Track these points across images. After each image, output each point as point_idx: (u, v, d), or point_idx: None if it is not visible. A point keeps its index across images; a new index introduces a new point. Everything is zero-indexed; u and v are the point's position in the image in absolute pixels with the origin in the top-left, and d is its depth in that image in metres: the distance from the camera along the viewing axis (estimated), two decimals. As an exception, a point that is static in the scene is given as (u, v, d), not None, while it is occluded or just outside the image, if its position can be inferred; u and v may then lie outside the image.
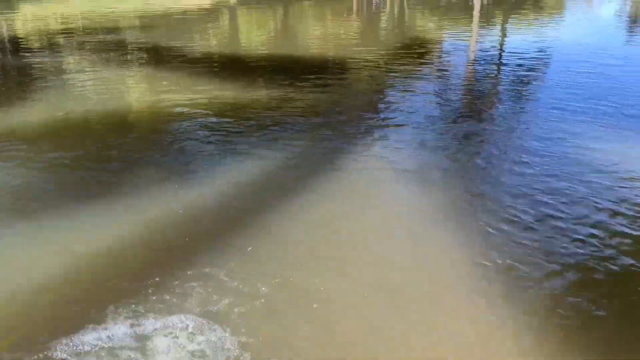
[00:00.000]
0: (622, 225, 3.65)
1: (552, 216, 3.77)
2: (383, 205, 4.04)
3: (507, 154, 4.93)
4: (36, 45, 11.10)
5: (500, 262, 3.24)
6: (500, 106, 6.75)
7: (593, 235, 3.52)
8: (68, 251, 3.39)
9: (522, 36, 12.97)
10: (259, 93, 7.08)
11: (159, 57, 9.71)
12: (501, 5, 21.11)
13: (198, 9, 19.59)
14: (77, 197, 4.17)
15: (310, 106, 6.48)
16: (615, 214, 3.81)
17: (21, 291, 2.99)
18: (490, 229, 3.61)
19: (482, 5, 21.41)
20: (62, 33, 12.65)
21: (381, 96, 7.20)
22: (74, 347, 2.52)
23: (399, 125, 5.81)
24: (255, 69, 8.96)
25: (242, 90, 7.25)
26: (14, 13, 17.41)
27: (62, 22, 14.93)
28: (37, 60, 9.44)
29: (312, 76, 8.08)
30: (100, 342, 2.54)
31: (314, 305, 2.85)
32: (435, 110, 6.42)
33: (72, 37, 11.89)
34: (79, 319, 2.71)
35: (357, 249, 3.44)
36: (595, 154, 4.91)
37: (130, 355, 2.47)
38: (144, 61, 9.30)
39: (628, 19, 18.18)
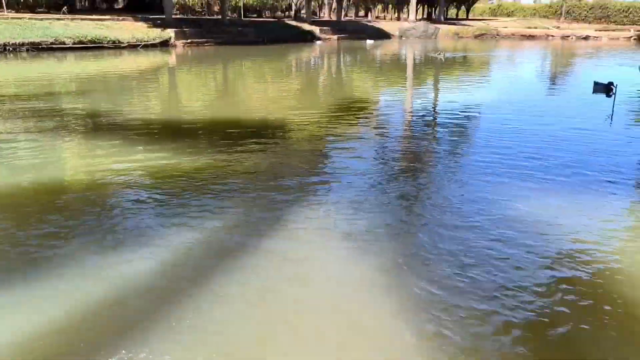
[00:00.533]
0: (553, 288, 3.76)
1: (481, 279, 3.83)
2: (320, 269, 3.99)
3: (442, 216, 5.03)
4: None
5: (432, 328, 3.24)
6: (435, 166, 6.94)
7: (525, 300, 3.59)
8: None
9: (454, 95, 13.62)
10: (198, 157, 7.00)
11: (96, 122, 9.50)
12: (433, 63, 22.22)
13: (137, 70, 19.54)
14: (20, 272, 3.90)
15: (249, 170, 6.45)
16: (551, 277, 3.91)
17: None
18: (422, 293, 3.62)
19: (441, 59, 22.47)
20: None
21: (319, 158, 7.27)
22: None
23: (337, 187, 5.85)
24: (195, 132, 8.90)
25: (181, 155, 7.15)
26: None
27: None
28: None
29: (252, 139, 8.10)
30: None
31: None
32: (371, 170, 6.53)
33: (3, 103, 11.50)
34: None
35: (291, 317, 3.36)
36: (524, 214, 5.08)
37: None
38: (80, 127, 9.06)
39: (548, 77, 19.54)
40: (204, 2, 60.87)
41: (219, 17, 40.81)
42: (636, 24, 68.23)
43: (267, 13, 68.50)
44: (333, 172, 6.50)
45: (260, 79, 18.30)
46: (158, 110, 11.14)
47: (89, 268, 4.02)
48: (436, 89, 15.72)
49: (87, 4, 56.76)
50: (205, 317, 3.40)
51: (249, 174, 6.28)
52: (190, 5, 58.59)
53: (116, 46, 27.26)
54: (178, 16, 47.14)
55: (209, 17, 49.83)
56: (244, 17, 57.43)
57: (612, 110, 10.30)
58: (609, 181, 6.07)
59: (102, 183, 6.02)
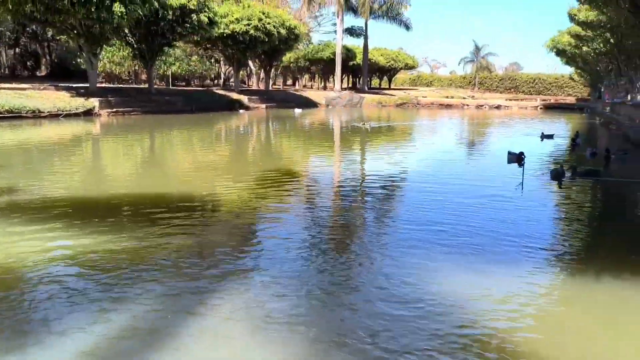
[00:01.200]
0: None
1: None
2: (246, 349, 3.85)
3: (371, 301, 5.04)
4: None
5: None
6: (362, 242, 7.04)
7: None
8: None
9: (379, 164, 14.07)
10: (120, 237, 6.70)
11: (10, 200, 8.97)
12: (360, 133, 23.02)
13: (58, 141, 18.87)
14: None
15: (174, 249, 6.24)
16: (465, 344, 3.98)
17: None
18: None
19: (365, 130, 23.18)
20: None
21: (247, 233, 7.18)
22: None
23: (264, 264, 5.76)
24: (118, 208, 8.57)
25: (102, 234, 6.83)
26: None
27: None
28: None
29: (178, 213, 7.90)
30: None
31: None
32: (299, 246, 6.50)
33: None
34: None
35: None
36: (442, 285, 5.19)
37: None
38: (-11, 204, 8.51)
39: (466, 146, 20.74)
40: (130, 70, 60.66)
41: (147, 85, 40.66)
42: (542, 94, 74.57)
43: (196, 82, 69.17)
44: (261, 248, 6.42)
45: (188, 148, 18.16)
46: (79, 185, 10.70)
47: None
48: (363, 158, 16.22)
49: (6, 71, 55.06)
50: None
51: (174, 254, 6.07)
52: (117, 73, 58.17)
53: (36, 116, 26.28)
54: (103, 85, 46.56)
55: (135, 86, 49.54)
56: (172, 85, 57.62)
57: (522, 178, 10.98)
58: (522, 247, 6.38)
59: (13, 267, 5.61)
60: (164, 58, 50.70)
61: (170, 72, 57.65)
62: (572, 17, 31.49)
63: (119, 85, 49.89)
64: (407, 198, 9.78)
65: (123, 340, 4.07)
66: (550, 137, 19.67)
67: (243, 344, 4.04)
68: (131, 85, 50.95)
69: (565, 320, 4.63)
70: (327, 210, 8.69)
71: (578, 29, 34.47)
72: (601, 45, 33.18)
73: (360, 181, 11.56)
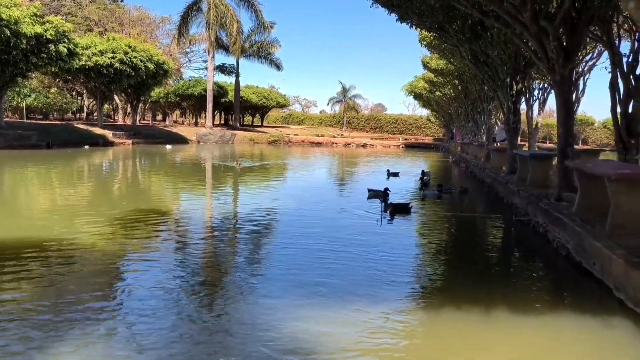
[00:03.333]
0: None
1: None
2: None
3: (245, 345, 5.03)
4: None
5: None
6: (230, 283, 7.01)
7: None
8: None
9: (251, 202, 14.13)
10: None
11: None
12: (232, 171, 22.93)
13: None
14: None
15: (19, 303, 5.71)
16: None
17: None
18: None
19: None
20: None
21: (110, 279, 6.78)
22: None
23: (126, 312, 5.50)
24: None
25: None
26: None
27: None
28: None
29: (27, 261, 7.25)
30: None
31: None
32: (170, 290, 6.30)
33: None
34: None
35: None
36: (300, 331, 5.35)
37: None
38: None
39: (333, 183, 21.60)
40: (-24, 101, 55.01)
41: (-5, 118, 37.03)
42: (403, 133, 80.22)
43: (55, 115, 64.46)
44: (123, 295, 6.11)
45: (43, 187, 16.77)
46: None
47: None
48: (234, 197, 16.17)
49: None
50: None
51: (18, 308, 5.55)
52: (-40, 103, 52.40)
53: None
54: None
55: (-18, 118, 44.84)
56: (28, 118, 53.14)
57: (382, 213, 11.72)
58: (382, 281, 6.77)
59: None
60: (17, 89, 46.64)
61: (24, 105, 53.18)
62: (425, 65, 34.58)
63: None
64: (275, 236, 9.92)
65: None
66: (396, 174, 21.18)
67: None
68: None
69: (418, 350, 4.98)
70: (196, 251, 8.50)
71: (431, 76, 37.89)
72: (451, 90, 36.75)
73: (231, 220, 11.50)
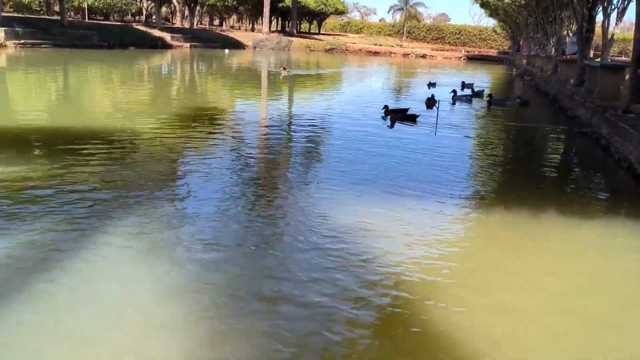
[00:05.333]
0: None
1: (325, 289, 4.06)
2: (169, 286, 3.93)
3: (299, 232, 5.22)
4: None
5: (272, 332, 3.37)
6: (290, 176, 7.18)
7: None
8: None
9: (308, 106, 14.13)
10: (32, 169, 6.44)
11: None
12: (285, 77, 22.79)
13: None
14: None
15: (90, 184, 6.09)
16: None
17: None
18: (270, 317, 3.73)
19: (276, 75, 22.87)
20: None
21: (169, 171, 7.09)
22: None
23: (186, 201, 5.79)
24: (30, 142, 8.15)
25: (11, 165, 6.53)
26: None
27: None
28: None
29: (95, 150, 7.63)
30: None
31: None
32: (222, 183, 6.54)
33: None
34: None
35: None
36: (362, 224, 5.46)
37: None
38: None
39: (392, 91, 21.18)
40: (42, 0, 56.04)
41: (59, 17, 37.77)
42: (466, 45, 76.48)
43: (115, 16, 65.04)
44: (187, 183, 6.39)
45: (106, 85, 17.30)
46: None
47: None
48: (290, 102, 16.18)
49: None
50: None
51: (89, 188, 5.93)
52: (26, 3, 53.62)
53: None
54: (11, 14, 42.79)
55: (48, 17, 45.93)
56: (89, 19, 53.90)
57: (437, 122, 11.48)
58: (436, 188, 6.77)
59: None
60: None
61: (86, 5, 53.76)
62: (496, -31, 32.15)
63: (28, 16, 46.09)
64: (329, 139, 9.96)
65: (21, 257, 4.01)
66: (433, 85, 20.24)
67: (160, 275, 4.10)
68: (42, 17, 47.15)
69: (478, 254, 5.04)
70: (252, 149, 8.70)
71: (502, -20, 35.33)
72: (521, -4, 34.22)
73: (286, 123, 11.60)
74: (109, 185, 6.01)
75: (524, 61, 37.16)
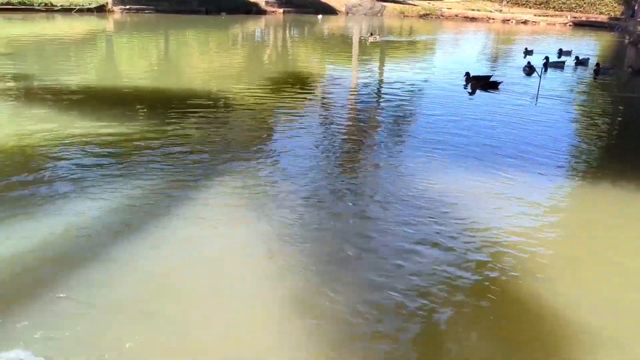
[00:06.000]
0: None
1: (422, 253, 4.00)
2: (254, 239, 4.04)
3: (385, 195, 5.16)
4: None
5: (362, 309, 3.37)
6: (380, 146, 7.09)
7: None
8: None
9: (400, 73, 13.82)
10: (133, 126, 6.82)
11: (29, 87, 9.05)
12: (378, 43, 22.38)
13: (72, 35, 18.63)
14: None
15: (185, 140, 6.36)
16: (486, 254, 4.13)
17: None
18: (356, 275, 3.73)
19: (367, 42, 22.54)
20: None
21: (263, 132, 7.25)
22: None
23: (277, 162, 5.88)
24: (132, 101, 8.65)
25: (115, 122, 6.95)
26: None
27: None
28: None
29: (192, 110, 7.96)
30: None
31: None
32: (316, 143, 6.59)
33: None
34: None
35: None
36: (455, 191, 5.29)
37: None
38: (9, 94, 8.61)
39: (489, 58, 20.15)
40: (145, -33, 58.28)
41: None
42: (573, 11, 71.04)
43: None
44: (278, 144, 6.51)
45: (204, 49, 17.88)
46: (95, 78, 10.73)
47: (10, 231, 3.90)
48: (380, 68, 15.89)
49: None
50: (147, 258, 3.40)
51: (192, 143, 6.19)
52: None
53: (48, 9, 25.78)
54: (117, -19, 44.97)
55: (150, -16, 47.78)
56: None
57: (538, 90, 10.79)
58: (536, 159, 6.41)
59: (30, 148, 5.79)
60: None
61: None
62: None
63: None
64: (420, 105, 9.70)
65: (131, 217, 4.27)
66: (530, 52, 19.00)
67: (248, 229, 4.22)
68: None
69: (580, 231, 4.75)
70: (342, 114, 8.68)
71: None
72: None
73: (376, 88, 11.43)
74: (208, 144, 6.25)
75: (639, 28, 33.93)
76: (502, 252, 3.99)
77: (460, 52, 22.60)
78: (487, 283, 3.59)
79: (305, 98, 9.72)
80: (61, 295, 3.24)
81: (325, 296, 3.33)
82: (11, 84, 9.23)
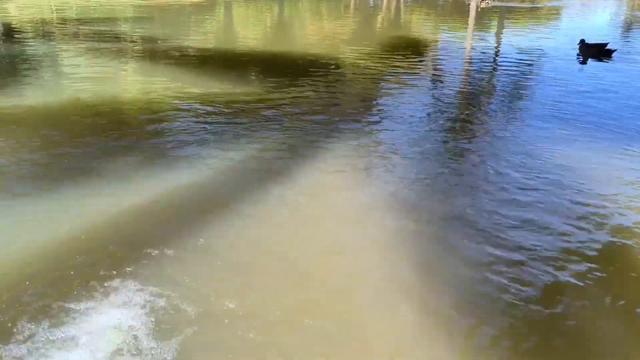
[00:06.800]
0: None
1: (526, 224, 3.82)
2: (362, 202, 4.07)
3: (499, 167, 4.96)
4: (30, 34, 11.04)
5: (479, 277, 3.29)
6: (494, 114, 6.80)
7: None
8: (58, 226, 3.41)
9: (517, 41, 13.04)
10: (248, 88, 7.09)
11: (153, 50, 9.69)
12: (497, 9, 21.20)
13: (193, 3, 19.54)
14: (64, 180, 4.16)
15: (307, 102, 6.49)
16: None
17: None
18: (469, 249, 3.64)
19: (478, 8, 21.48)
20: (56, 22, 12.58)
21: (375, 97, 7.22)
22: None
23: (390, 127, 5.83)
24: (247, 64, 8.97)
25: (231, 84, 7.26)
26: (6, 1, 17.23)
27: (56, 11, 14.84)
28: (31, 49, 9.38)
29: (304, 74, 8.09)
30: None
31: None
32: (428, 112, 6.45)
33: (66, 26, 11.83)
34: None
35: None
36: (584, 170, 4.95)
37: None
38: (137, 53, 9.28)
39: (621, 26, 18.36)
40: None
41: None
42: None
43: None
44: (388, 113, 6.47)
45: (316, 16, 18.01)
46: (213, 42, 11.24)
47: (128, 181, 4.21)
48: (496, 37, 15.07)
49: None
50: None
51: (305, 107, 6.33)
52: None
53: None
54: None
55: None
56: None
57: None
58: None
59: (153, 103, 6.22)
60: None
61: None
62: None
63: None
64: (537, 75, 9.11)
65: (242, 178, 4.45)
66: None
67: (354, 198, 4.26)
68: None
69: None
70: (454, 83, 8.40)
71: None
72: None
73: (491, 57, 10.88)
74: (323, 107, 6.35)
75: None
76: (616, 227, 3.71)
77: (589, 19, 20.77)
78: (600, 251, 3.37)
79: (418, 65, 9.50)
80: (201, 240, 3.45)
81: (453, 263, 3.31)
82: (139, 46, 9.91)
